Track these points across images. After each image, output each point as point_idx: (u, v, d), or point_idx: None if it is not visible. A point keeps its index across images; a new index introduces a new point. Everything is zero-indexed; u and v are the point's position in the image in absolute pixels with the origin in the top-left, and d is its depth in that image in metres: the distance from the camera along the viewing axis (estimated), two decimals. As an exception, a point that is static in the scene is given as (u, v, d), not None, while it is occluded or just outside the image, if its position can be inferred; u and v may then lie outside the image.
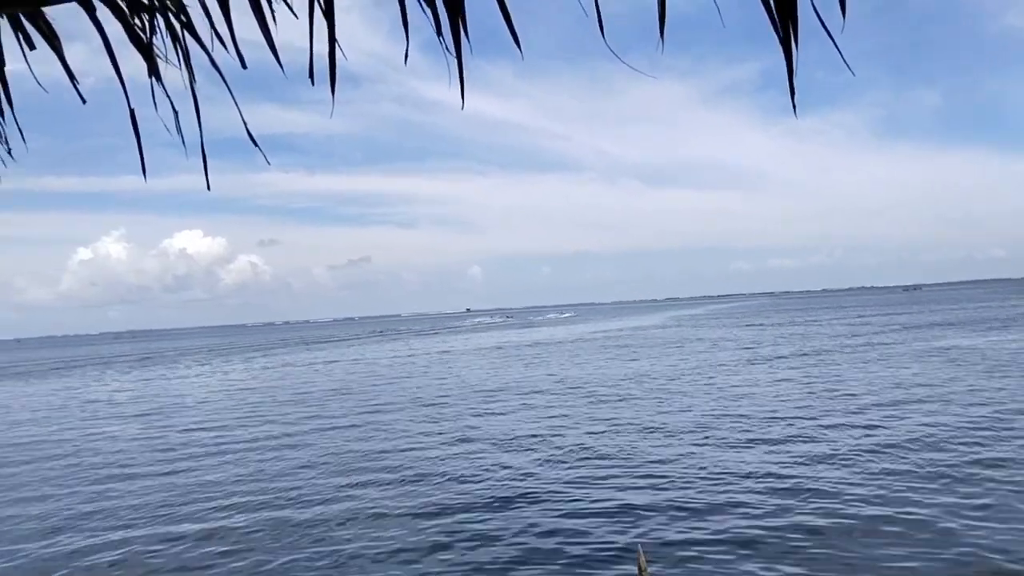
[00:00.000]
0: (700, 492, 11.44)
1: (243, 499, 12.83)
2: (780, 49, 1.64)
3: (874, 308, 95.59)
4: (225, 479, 14.55)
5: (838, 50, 1.51)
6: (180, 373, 50.34)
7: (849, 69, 1.55)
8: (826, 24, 1.54)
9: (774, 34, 1.63)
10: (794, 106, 1.61)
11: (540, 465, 14.03)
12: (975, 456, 12.56)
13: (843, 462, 12.72)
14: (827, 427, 15.95)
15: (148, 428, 22.77)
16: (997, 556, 8.22)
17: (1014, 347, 31.26)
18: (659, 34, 1.63)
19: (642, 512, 10.62)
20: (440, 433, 18.33)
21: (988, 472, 11.54)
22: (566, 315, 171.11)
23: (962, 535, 8.92)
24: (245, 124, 1.75)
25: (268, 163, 1.88)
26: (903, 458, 12.74)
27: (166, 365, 61.83)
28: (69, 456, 18.41)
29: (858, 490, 10.99)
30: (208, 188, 1.82)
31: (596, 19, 1.71)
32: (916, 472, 11.81)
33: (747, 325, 69.50)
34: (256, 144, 1.83)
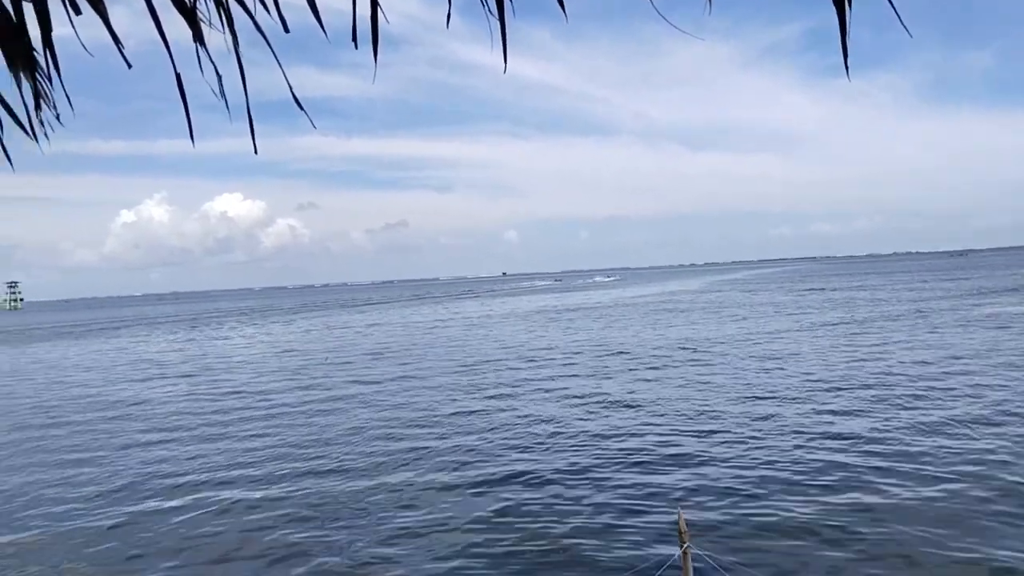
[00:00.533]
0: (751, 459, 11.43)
1: (289, 463, 13.13)
2: (831, 7, 1.58)
3: (924, 273, 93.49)
4: (271, 442, 14.89)
5: (895, 9, 1.46)
6: (225, 334, 51.43)
7: (907, 30, 1.49)
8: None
9: None
10: (847, 67, 1.55)
11: (605, 427, 14.12)
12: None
13: (894, 436, 12.57)
14: (881, 400, 15.75)
15: (195, 388, 23.37)
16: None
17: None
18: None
19: (687, 475, 10.66)
20: (496, 396, 18.51)
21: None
22: (612, 279, 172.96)
23: None
24: (291, 88, 1.75)
25: (315, 127, 1.89)
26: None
27: (211, 326, 63.19)
28: (118, 418, 18.96)
29: (902, 465, 10.87)
30: (256, 152, 1.83)
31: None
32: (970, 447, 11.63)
33: (805, 290, 68.52)
34: (302, 108, 1.83)
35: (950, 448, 11.25)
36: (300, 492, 11.02)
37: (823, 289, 67.93)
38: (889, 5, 1.56)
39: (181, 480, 12.09)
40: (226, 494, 11.14)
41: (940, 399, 14.86)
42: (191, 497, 11.08)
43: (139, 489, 11.74)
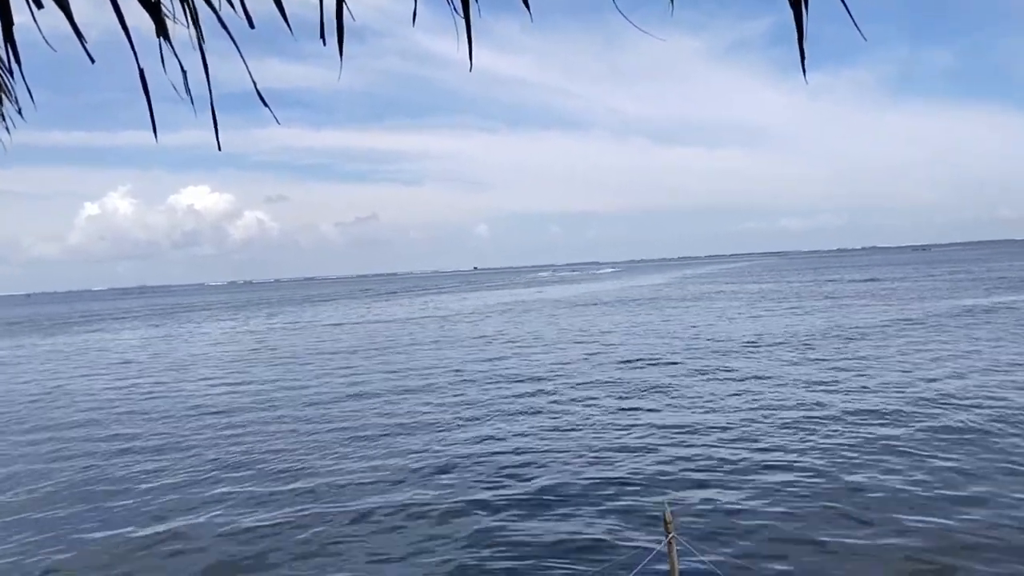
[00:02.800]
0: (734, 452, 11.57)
1: (254, 462, 13.03)
2: (790, 8, 1.61)
3: (888, 267, 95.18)
4: (235, 443, 14.76)
5: (849, 13, 1.49)
6: (194, 330, 50.73)
7: (860, 33, 1.53)
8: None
9: None
10: (804, 68, 1.59)
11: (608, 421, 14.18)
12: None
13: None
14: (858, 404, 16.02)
15: (159, 386, 23.03)
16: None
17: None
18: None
19: (670, 465, 10.77)
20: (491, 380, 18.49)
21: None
22: (607, 270, 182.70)
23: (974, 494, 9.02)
24: (255, 84, 1.75)
25: (278, 122, 1.88)
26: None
27: (179, 322, 62.27)
28: (70, 427, 18.64)
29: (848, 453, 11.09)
30: (219, 148, 1.82)
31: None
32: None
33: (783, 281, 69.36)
34: (266, 104, 1.83)
35: (939, 442, 11.50)
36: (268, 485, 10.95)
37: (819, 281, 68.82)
38: (849, 3, 1.60)
39: (118, 490, 11.94)
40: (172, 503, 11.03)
41: (951, 404, 15.17)
42: (125, 505, 10.95)
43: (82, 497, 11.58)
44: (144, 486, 11.37)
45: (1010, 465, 9.97)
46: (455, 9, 1.70)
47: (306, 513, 9.71)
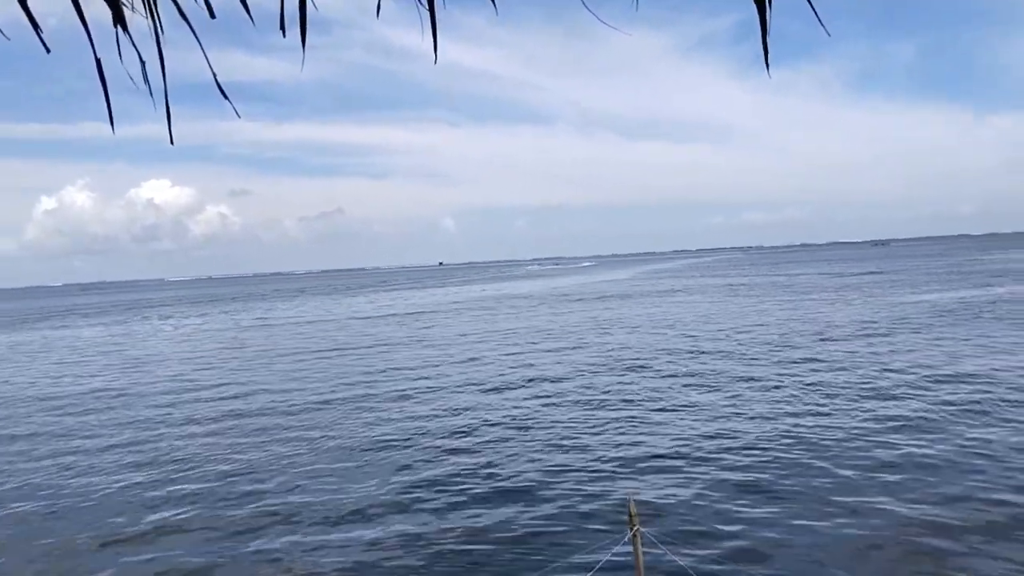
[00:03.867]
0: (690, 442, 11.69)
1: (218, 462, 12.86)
2: (754, 5, 1.62)
3: (847, 263, 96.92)
4: (201, 447, 14.56)
5: (814, 10, 1.51)
6: (154, 328, 49.87)
7: (824, 29, 1.55)
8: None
9: None
10: (767, 64, 1.61)
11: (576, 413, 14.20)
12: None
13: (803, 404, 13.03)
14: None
15: (114, 388, 22.62)
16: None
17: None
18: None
19: (634, 459, 10.85)
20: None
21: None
22: (590, 264, 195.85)
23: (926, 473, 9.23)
24: (215, 77, 1.72)
25: (238, 116, 1.85)
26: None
27: (139, 319, 61.19)
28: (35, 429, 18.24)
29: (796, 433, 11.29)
30: (172, 142, 1.79)
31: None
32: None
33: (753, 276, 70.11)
34: (227, 97, 1.80)
35: (897, 438, 11.73)
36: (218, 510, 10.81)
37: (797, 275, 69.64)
38: (812, 2, 1.62)
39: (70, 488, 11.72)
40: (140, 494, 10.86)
41: (911, 394, 15.46)
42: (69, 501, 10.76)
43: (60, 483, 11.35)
44: (96, 491, 11.16)
45: (977, 451, 10.22)
46: (420, 2, 1.69)
47: (263, 510, 9.62)
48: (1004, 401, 13.02)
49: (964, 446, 10.60)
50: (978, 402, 13.07)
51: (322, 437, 13.44)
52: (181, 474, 11.55)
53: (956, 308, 29.59)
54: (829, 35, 1.60)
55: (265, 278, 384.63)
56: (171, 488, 10.83)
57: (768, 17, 1.54)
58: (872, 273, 64.64)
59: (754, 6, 1.61)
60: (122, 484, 11.20)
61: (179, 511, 9.81)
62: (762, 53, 1.57)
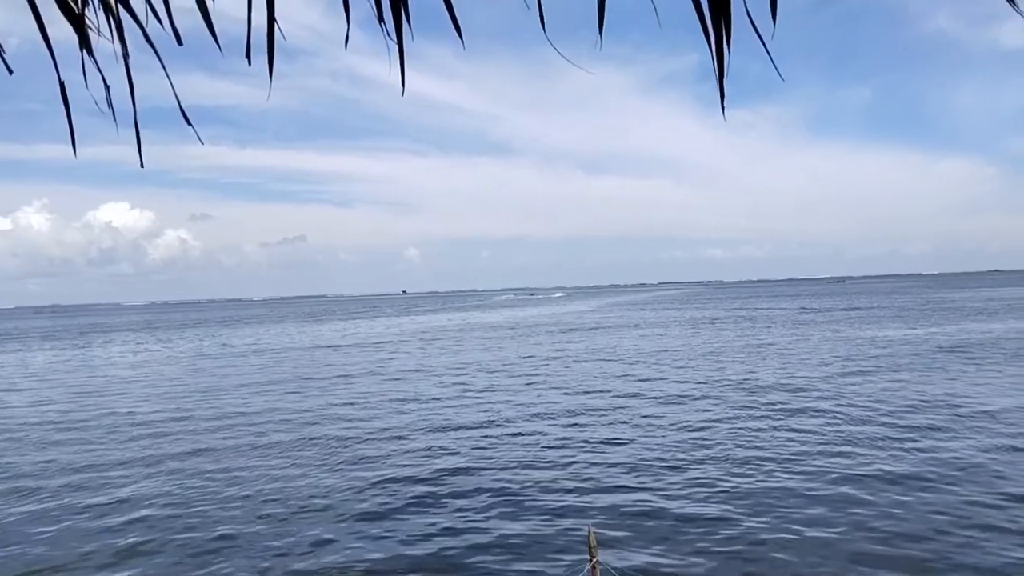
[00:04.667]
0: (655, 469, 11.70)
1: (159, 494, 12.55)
2: (711, 49, 1.67)
3: (808, 297, 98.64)
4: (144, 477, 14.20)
5: (769, 56, 1.57)
6: (106, 353, 48.73)
7: (779, 75, 1.61)
8: (758, 28, 1.59)
9: (710, 31, 1.66)
10: (723, 108, 1.66)
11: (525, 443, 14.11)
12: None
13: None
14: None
15: (60, 417, 22.00)
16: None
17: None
18: (598, 31, 1.66)
19: (600, 483, 10.81)
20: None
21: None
22: (557, 296, 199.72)
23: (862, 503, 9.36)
24: (179, 103, 1.71)
25: (202, 142, 1.85)
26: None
27: (89, 345, 59.77)
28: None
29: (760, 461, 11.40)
30: (142, 166, 1.78)
31: (538, 11, 1.73)
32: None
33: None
34: (190, 124, 1.79)
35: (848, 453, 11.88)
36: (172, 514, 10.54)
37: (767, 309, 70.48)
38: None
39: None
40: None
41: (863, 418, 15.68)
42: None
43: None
44: (47, 522, 10.80)
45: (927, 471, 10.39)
46: (388, 34, 1.71)
47: (230, 532, 9.39)
48: (969, 429, 13.31)
49: (936, 484, 10.76)
50: (941, 428, 13.33)
51: (274, 475, 13.19)
52: (129, 506, 11.22)
53: (927, 342, 30.28)
54: (783, 80, 1.67)
55: (223, 304, 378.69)
56: (117, 520, 10.52)
57: (726, 62, 1.60)
58: (854, 309, 65.87)
59: (712, 50, 1.67)
60: (69, 517, 10.84)
61: (128, 542, 9.52)
62: (719, 96, 1.63)
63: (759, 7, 1.67)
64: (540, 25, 1.74)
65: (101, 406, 21.66)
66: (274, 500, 11.15)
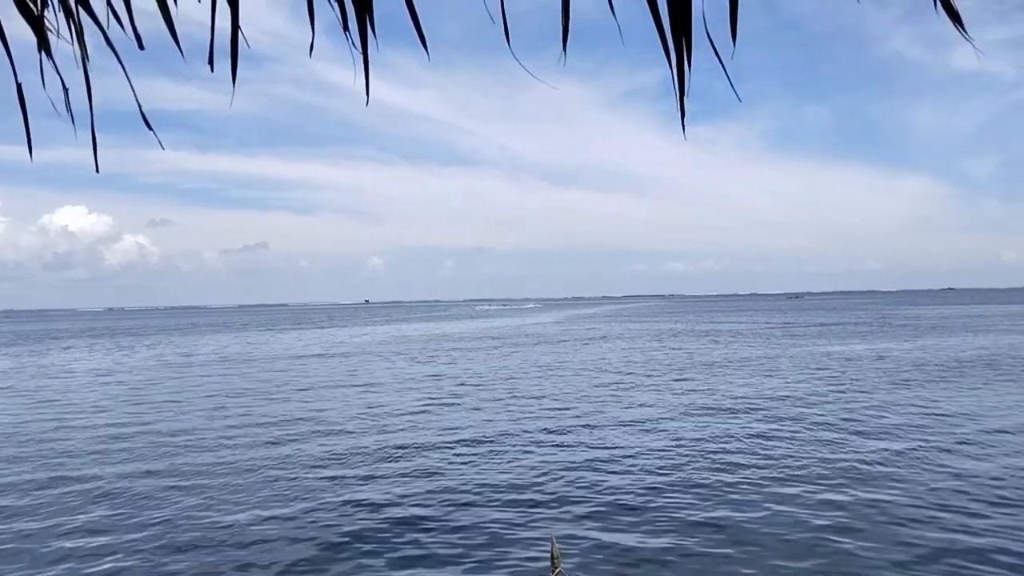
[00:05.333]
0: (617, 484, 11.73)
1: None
2: (671, 67, 1.70)
3: (764, 312, 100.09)
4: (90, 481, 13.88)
5: (727, 76, 1.61)
6: (58, 359, 47.54)
7: (736, 96, 1.65)
8: (718, 50, 1.63)
9: (670, 50, 1.69)
10: (683, 126, 1.69)
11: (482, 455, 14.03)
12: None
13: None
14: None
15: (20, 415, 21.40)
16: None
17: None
18: (562, 47, 1.69)
19: (557, 501, 10.80)
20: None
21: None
22: (530, 307, 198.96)
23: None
24: (141, 109, 1.70)
25: (163, 147, 1.83)
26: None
27: (41, 352, 58.27)
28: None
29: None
30: (97, 171, 1.75)
31: (503, 26, 1.75)
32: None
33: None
34: (151, 129, 1.77)
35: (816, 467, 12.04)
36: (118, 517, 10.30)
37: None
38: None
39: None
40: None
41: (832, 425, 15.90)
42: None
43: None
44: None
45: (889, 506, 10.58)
46: (353, 44, 1.71)
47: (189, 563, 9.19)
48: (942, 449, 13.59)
49: (916, 493, 10.96)
50: (915, 449, 13.60)
51: (226, 495, 12.97)
52: (76, 527, 10.94)
53: (889, 357, 30.92)
54: (740, 100, 1.71)
55: (186, 311, 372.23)
56: (64, 543, 10.25)
57: (686, 81, 1.63)
58: (823, 325, 66.91)
59: (672, 68, 1.70)
60: (16, 535, 10.53)
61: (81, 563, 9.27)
62: (679, 113, 1.66)
63: (719, 27, 1.71)
64: (505, 39, 1.76)
65: (56, 417, 21.12)
66: (226, 524, 10.96)
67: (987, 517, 9.74)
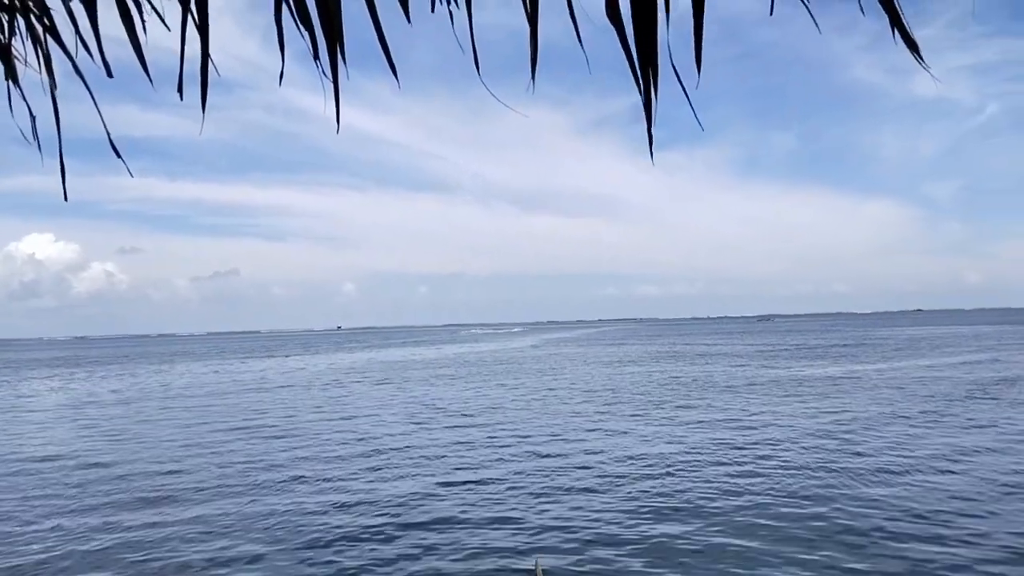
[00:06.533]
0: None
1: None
2: (641, 96, 1.74)
3: (738, 335, 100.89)
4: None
5: (692, 107, 1.64)
6: (24, 391, 46.54)
7: (699, 124, 1.69)
8: (682, 80, 1.67)
9: (638, 79, 1.73)
10: (651, 153, 1.72)
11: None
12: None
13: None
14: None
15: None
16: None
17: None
18: (531, 76, 1.71)
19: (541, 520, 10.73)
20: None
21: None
22: (516, 330, 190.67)
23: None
24: (108, 135, 1.69)
25: (131, 175, 1.82)
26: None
27: (15, 382, 57.04)
28: None
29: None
30: (65, 199, 1.74)
31: (472, 54, 1.77)
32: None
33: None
34: (120, 156, 1.77)
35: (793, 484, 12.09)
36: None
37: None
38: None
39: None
40: None
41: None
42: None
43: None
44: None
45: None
46: (323, 72, 1.72)
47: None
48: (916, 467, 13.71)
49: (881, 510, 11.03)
50: (889, 468, 13.71)
51: (199, 530, 12.74)
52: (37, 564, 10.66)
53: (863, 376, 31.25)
54: (703, 129, 1.74)
55: (156, 339, 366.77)
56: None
57: (654, 110, 1.67)
58: (798, 346, 67.46)
59: (642, 97, 1.73)
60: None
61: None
62: (647, 140, 1.69)
63: (686, 57, 1.74)
64: (475, 67, 1.78)
65: (18, 450, 20.64)
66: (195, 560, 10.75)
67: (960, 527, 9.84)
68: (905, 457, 14.97)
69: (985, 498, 11.72)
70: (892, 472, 13.68)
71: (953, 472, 13.59)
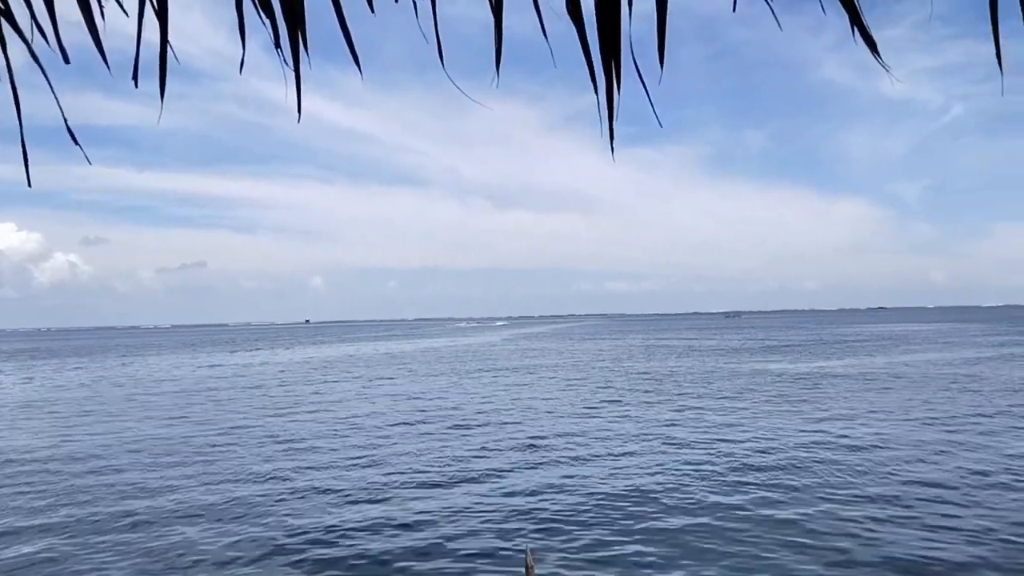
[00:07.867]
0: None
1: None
2: (596, 92, 1.71)
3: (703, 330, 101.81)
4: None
5: (650, 102, 1.65)
6: (-19, 379, 45.56)
7: (659, 121, 1.70)
8: (643, 77, 1.66)
9: (596, 72, 1.70)
10: (612, 149, 1.73)
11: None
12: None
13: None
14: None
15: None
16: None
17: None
18: (495, 69, 1.71)
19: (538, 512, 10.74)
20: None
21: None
22: (499, 324, 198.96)
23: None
24: (66, 121, 1.66)
25: (89, 162, 1.79)
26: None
27: (-35, 370, 55.77)
28: None
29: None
30: (29, 185, 1.71)
31: (436, 45, 1.76)
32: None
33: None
34: (77, 142, 1.73)
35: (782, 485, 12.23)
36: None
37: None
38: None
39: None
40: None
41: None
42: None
43: None
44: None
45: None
46: (285, 61, 1.71)
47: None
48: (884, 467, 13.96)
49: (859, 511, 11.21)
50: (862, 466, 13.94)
51: (163, 526, 12.58)
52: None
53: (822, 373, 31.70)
54: (661, 126, 1.76)
55: (122, 331, 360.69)
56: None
57: (616, 104, 1.67)
58: (778, 345, 68.06)
59: (600, 92, 1.72)
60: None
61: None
62: (608, 137, 1.69)
63: (648, 51, 1.74)
64: (439, 58, 1.77)
65: (-25, 439, 20.20)
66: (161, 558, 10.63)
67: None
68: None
69: (952, 487, 11.97)
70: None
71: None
